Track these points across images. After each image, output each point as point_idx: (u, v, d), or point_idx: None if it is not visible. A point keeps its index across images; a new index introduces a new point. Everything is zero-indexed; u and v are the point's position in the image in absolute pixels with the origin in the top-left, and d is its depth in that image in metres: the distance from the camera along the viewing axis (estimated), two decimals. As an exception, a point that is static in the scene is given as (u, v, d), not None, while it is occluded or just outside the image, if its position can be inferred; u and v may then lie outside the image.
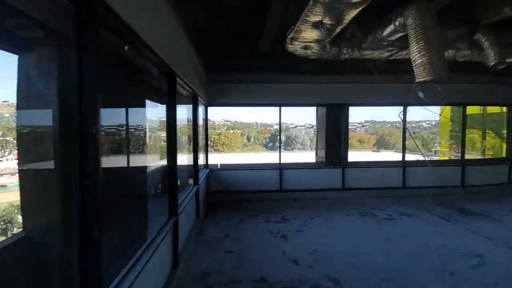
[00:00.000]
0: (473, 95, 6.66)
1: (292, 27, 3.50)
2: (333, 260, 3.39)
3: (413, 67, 3.36)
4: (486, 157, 8.71)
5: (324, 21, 3.07)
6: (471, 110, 9.12)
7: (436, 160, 7.96)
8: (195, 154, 4.74)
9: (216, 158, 8.67)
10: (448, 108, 9.07)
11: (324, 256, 3.50)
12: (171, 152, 3.07)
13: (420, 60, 3.27)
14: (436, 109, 8.18)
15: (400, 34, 3.74)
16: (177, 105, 3.12)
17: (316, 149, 7.21)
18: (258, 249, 3.76)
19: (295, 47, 3.97)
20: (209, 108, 6.54)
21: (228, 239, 4.11)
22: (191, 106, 4.73)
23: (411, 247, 3.76)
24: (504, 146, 7.70)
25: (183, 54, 3.61)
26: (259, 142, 31.79)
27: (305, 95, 6.48)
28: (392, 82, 5.58)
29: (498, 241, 3.86)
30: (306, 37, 3.57)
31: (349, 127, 6.89)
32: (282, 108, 6.61)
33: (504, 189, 6.71)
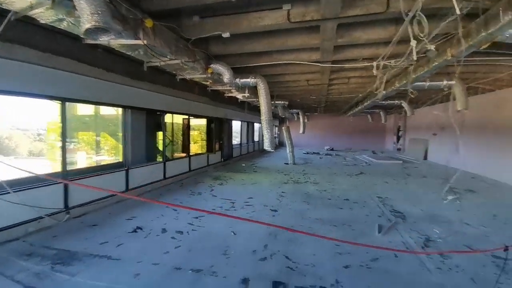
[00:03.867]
0: (76, 90, 5.14)
1: None
2: None
3: None
4: (103, 162, 7.86)
5: None
6: (83, 111, 7.94)
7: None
8: None
9: None
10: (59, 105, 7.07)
11: None
12: None
13: None
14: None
15: None
16: None
17: None
18: None
19: None
20: None
21: None
22: None
23: None
24: (121, 148, 7.14)
25: None
26: None
27: None
28: None
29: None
30: None
31: None
32: None
33: (121, 199, 6.05)
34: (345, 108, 18.37)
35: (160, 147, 8.42)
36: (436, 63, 5.26)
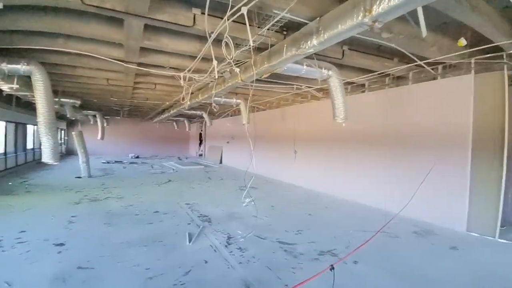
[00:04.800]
0: None
1: None
2: None
3: None
4: None
5: None
6: None
7: None
8: None
9: None
10: None
11: None
12: None
13: None
14: None
15: None
16: None
17: None
18: None
19: None
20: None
21: None
22: None
23: None
24: None
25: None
26: None
27: None
28: None
29: None
30: None
31: None
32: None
33: None
34: (152, 114, 17.86)
35: None
36: (230, 84, 6.21)
